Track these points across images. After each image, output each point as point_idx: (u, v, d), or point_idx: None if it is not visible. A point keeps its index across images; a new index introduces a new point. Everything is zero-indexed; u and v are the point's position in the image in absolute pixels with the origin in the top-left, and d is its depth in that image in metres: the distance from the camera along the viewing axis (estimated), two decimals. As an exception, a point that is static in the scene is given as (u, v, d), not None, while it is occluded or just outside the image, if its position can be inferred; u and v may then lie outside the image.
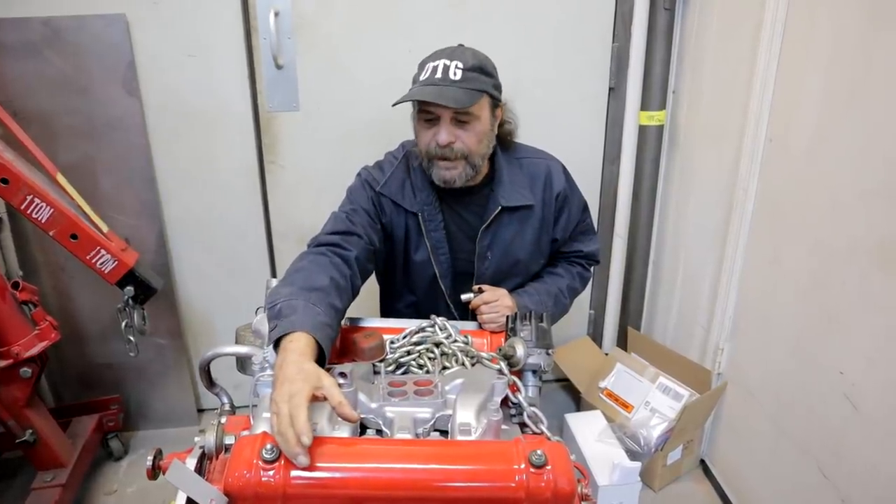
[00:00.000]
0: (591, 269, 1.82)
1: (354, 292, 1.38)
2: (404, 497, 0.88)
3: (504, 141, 1.60)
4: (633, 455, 1.90)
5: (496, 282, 1.62)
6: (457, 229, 1.60)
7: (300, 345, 1.05)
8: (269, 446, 0.87)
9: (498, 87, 1.49)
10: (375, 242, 1.51)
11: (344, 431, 1.01)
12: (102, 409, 2.25)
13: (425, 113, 1.44)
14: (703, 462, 2.24)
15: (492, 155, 1.55)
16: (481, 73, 1.43)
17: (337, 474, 0.87)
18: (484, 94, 1.43)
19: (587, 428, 1.96)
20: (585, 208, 1.74)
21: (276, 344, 1.09)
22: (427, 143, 1.46)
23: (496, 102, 1.49)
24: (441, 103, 1.37)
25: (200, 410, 2.53)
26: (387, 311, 1.78)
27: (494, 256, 1.61)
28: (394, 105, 1.43)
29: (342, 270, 1.33)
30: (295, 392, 0.93)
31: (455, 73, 1.39)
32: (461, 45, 1.48)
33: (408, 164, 1.59)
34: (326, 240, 1.41)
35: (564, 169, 1.67)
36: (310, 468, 0.86)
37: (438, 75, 1.39)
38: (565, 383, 2.63)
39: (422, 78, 1.43)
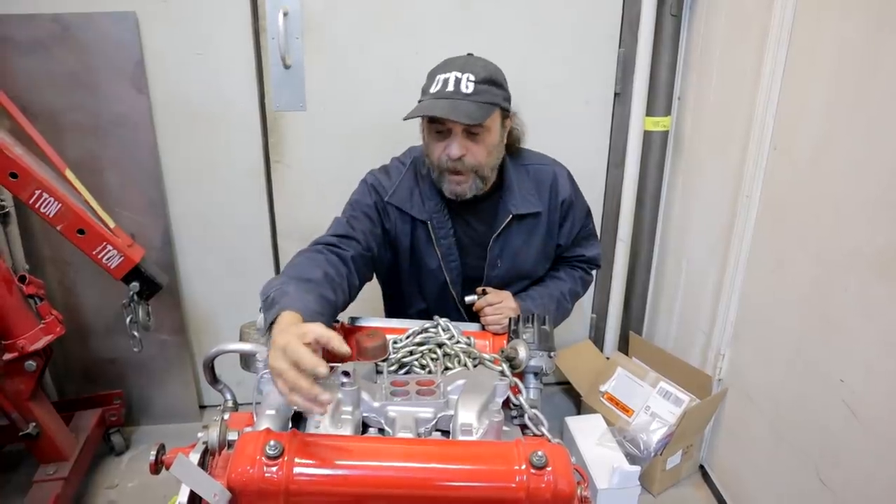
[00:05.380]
0: (593, 273, 1.83)
1: (351, 291, 1.39)
2: (405, 496, 0.89)
3: (510, 147, 1.59)
4: (632, 459, 1.91)
5: (503, 286, 1.63)
6: (465, 237, 1.60)
7: (288, 318, 1.06)
8: (272, 443, 0.87)
9: (508, 99, 1.48)
10: (374, 249, 1.50)
11: (347, 430, 1.02)
12: (105, 403, 2.26)
13: (437, 125, 1.42)
14: (702, 467, 2.24)
15: (500, 163, 1.54)
16: (493, 86, 1.41)
17: (339, 472, 0.88)
18: (496, 108, 1.41)
19: (587, 431, 1.97)
20: (588, 214, 1.74)
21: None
22: (438, 155, 1.44)
23: (506, 113, 1.48)
24: (454, 119, 1.35)
25: (202, 407, 2.54)
26: (395, 317, 1.78)
27: (504, 264, 1.61)
28: (405, 119, 1.41)
29: (338, 268, 1.34)
30: (285, 345, 0.93)
31: (467, 86, 1.37)
32: (471, 55, 1.46)
33: (416, 171, 1.57)
34: (324, 240, 1.43)
35: (569, 175, 1.67)
36: (312, 465, 0.87)
37: (450, 88, 1.37)
38: (566, 386, 2.64)
39: (433, 90, 1.40)
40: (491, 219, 1.58)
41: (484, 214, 1.58)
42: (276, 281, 1.22)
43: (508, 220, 1.55)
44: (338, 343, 0.95)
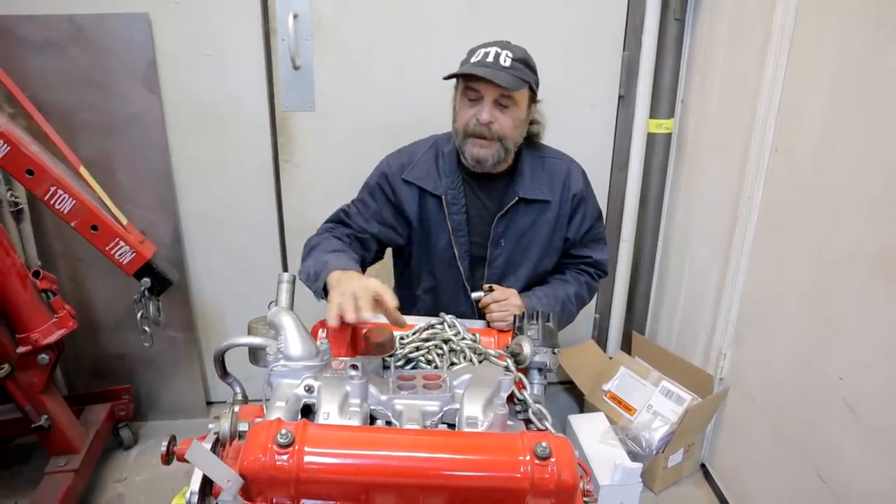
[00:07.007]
0: (599, 280, 1.86)
1: (363, 261, 1.63)
2: (412, 484, 0.91)
3: (530, 139, 1.67)
4: (634, 457, 1.93)
5: (507, 269, 1.69)
6: (475, 214, 1.67)
7: (341, 273, 1.35)
8: (283, 431, 0.89)
9: (537, 84, 1.58)
10: (373, 230, 1.66)
11: (355, 422, 1.04)
12: (114, 398, 2.29)
13: (471, 91, 1.52)
14: (703, 466, 2.26)
15: (518, 149, 1.63)
16: (527, 67, 1.53)
17: (348, 461, 0.90)
18: (527, 85, 1.52)
19: (590, 429, 1.99)
20: (600, 217, 1.79)
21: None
22: (467, 120, 1.54)
23: (533, 97, 1.59)
24: (492, 80, 1.46)
25: (209, 403, 2.57)
26: (405, 300, 1.82)
27: (508, 244, 1.67)
28: (445, 78, 1.53)
29: (344, 241, 1.61)
30: (368, 286, 1.23)
31: (505, 61, 1.49)
32: (509, 41, 1.57)
33: (437, 150, 1.68)
34: (321, 228, 1.68)
35: (584, 173, 1.74)
36: (322, 454, 0.89)
37: (490, 59, 1.49)
38: (569, 386, 2.66)
39: (473, 60, 1.51)
40: (500, 198, 1.66)
41: (496, 193, 1.66)
42: (309, 261, 1.49)
43: (515, 201, 1.63)
44: (395, 314, 1.26)
